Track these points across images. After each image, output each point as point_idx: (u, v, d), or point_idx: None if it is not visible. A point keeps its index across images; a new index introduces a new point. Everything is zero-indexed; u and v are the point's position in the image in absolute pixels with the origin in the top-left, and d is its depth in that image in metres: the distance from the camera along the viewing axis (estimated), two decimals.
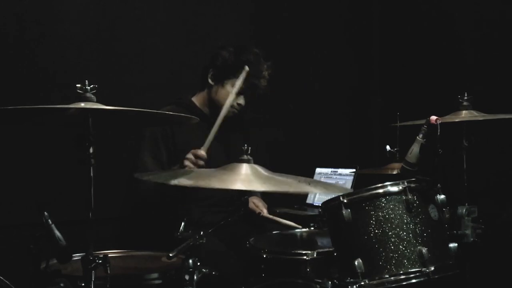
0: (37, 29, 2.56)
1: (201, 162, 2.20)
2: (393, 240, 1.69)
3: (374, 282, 1.68)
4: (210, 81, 2.50)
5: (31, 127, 2.33)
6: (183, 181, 1.58)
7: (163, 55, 2.86)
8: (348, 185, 2.85)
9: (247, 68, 2.36)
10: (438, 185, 1.79)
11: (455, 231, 2.04)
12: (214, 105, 2.49)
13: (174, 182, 1.57)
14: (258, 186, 1.64)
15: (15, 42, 2.52)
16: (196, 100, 2.56)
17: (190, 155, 2.20)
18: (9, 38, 2.50)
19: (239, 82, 2.35)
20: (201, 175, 1.72)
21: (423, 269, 1.67)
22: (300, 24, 3.38)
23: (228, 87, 2.44)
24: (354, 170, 2.84)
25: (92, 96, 1.55)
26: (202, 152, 2.20)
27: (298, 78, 3.34)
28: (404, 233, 1.70)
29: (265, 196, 2.67)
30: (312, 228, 2.33)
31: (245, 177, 1.59)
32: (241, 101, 2.49)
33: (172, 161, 2.38)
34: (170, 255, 1.62)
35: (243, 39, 2.89)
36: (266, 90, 2.52)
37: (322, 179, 3.03)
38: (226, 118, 2.36)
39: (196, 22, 2.98)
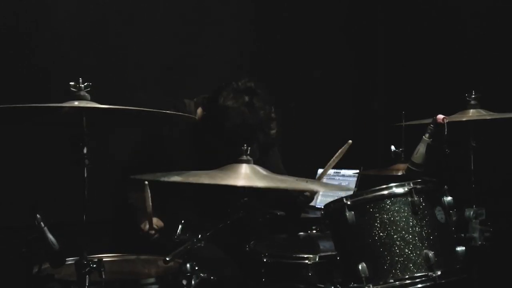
0: (35, 29, 2.55)
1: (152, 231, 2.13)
2: (398, 243, 1.66)
3: (379, 287, 1.64)
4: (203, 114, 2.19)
5: (25, 127, 2.32)
6: (173, 178, 1.55)
7: (161, 54, 2.85)
8: (352, 186, 2.81)
9: None
10: (445, 186, 1.77)
11: (462, 234, 2.01)
12: None
13: (164, 179, 1.55)
14: (255, 183, 1.58)
15: (13, 41, 2.50)
16: (198, 110, 2.28)
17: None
18: (8, 37, 2.48)
19: None
20: (194, 172, 1.67)
21: (430, 273, 1.63)
22: (300, 24, 3.38)
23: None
24: (357, 171, 2.80)
25: (86, 94, 1.54)
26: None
27: (299, 78, 3.32)
28: (410, 236, 1.66)
29: None
30: (314, 231, 2.30)
31: (243, 175, 1.56)
32: None
33: (163, 163, 2.28)
34: (167, 259, 1.60)
35: (243, 39, 2.88)
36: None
37: (325, 181, 2.98)
38: None
39: (195, 21, 2.97)
